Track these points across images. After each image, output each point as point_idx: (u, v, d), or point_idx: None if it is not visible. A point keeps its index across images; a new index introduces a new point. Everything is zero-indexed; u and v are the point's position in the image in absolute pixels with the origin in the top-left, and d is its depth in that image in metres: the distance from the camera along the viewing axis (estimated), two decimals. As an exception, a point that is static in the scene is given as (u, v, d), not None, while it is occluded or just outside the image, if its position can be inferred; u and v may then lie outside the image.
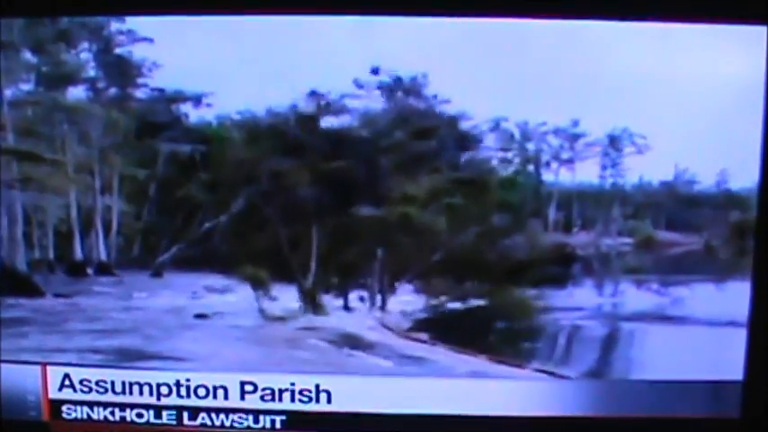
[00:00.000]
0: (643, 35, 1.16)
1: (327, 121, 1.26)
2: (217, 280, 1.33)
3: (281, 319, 1.32)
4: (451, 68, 1.19)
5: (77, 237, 1.34)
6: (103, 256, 1.35)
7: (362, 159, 1.26)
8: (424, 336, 1.32)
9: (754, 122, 1.18)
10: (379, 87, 1.23)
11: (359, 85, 1.22)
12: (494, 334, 1.31)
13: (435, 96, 1.24)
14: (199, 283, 1.33)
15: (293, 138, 1.26)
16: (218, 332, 1.31)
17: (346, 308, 1.33)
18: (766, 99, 1.16)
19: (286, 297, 1.32)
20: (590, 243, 1.33)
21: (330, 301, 1.33)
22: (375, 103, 1.24)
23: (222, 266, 1.31)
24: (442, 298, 1.32)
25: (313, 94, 1.23)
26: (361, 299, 1.34)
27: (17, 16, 1.22)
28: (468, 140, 1.27)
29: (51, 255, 1.33)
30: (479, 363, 1.29)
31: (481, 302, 1.31)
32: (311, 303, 1.32)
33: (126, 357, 1.28)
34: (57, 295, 1.32)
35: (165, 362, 1.28)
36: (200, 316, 1.32)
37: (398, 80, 1.22)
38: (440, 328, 1.32)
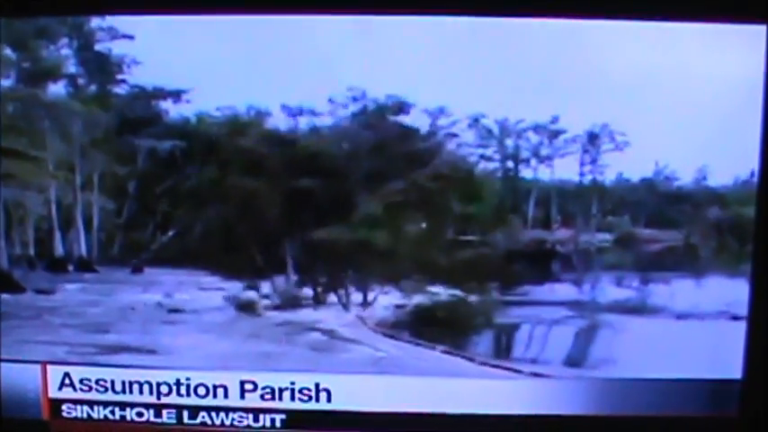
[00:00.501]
0: (623, 33, 1.16)
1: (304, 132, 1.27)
2: (196, 276, 1.33)
3: (259, 315, 1.32)
4: (431, 65, 1.19)
5: (58, 233, 1.34)
6: (84, 253, 1.35)
7: (342, 165, 1.27)
8: (406, 334, 1.33)
9: (737, 119, 1.18)
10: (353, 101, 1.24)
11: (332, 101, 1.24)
12: (482, 333, 1.32)
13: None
14: (178, 279, 1.34)
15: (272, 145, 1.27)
16: (196, 327, 1.31)
17: (323, 304, 1.34)
18: (765, 98, 1.16)
19: (264, 293, 1.33)
20: (570, 239, 1.33)
21: (307, 298, 1.34)
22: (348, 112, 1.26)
23: (201, 263, 1.32)
24: (423, 297, 1.33)
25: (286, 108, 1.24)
26: (343, 301, 1.35)
27: (16, 16, 1.22)
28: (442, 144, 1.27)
29: (32, 251, 1.34)
30: (473, 360, 1.29)
31: (465, 301, 1.32)
32: (289, 300, 1.33)
33: (108, 351, 1.29)
34: (38, 291, 1.32)
35: (143, 355, 1.29)
36: (178, 311, 1.32)
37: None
38: (426, 326, 1.33)
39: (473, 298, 1.31)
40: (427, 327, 1.32)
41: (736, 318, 1.24)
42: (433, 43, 1.18)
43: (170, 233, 1.33)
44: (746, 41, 1.15)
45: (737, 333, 1.22)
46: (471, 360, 1.29)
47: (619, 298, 1.31)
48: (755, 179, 1.21)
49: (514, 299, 1.32)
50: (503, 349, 1.32)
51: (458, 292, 1.32)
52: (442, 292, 1.32)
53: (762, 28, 1.15)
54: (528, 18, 1.16)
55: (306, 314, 1.33)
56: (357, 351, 1.30)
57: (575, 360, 1.29)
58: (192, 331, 1.31)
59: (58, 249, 1.34)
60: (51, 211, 1.33)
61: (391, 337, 1.32)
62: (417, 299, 1.32)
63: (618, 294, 1.31)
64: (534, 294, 1.32)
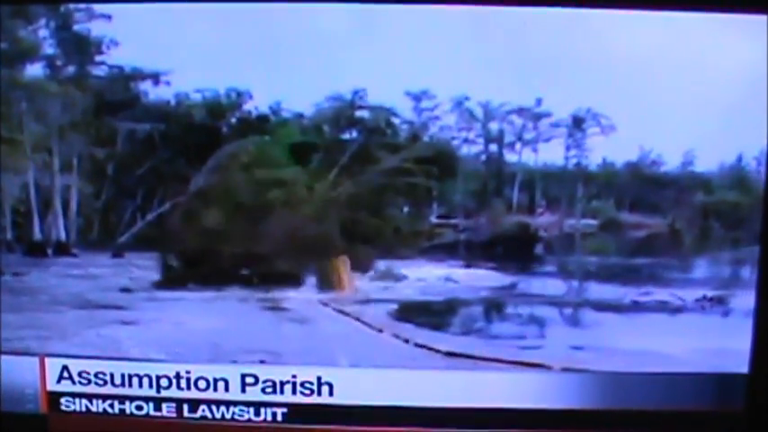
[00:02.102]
0: (608, 18, 1.15)
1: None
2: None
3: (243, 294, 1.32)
4: (414, 49, 1.18)
5: (36, 217, 1.33)
6: (63, 237, 1.34)
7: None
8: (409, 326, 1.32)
9: (722, 104, 1.17)
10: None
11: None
12: (481, 324, 1.32)
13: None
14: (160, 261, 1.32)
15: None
16: (180, 306, 1.30)
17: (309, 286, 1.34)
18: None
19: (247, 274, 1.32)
20: (554, 224, 1.32)
21: (294, 280, 1.33)
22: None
23: (183, 246, 1.31)
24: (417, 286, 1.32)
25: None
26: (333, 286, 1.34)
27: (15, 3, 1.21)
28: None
29: (10, 235, 1.32)
30: (473, 351, 1.28)
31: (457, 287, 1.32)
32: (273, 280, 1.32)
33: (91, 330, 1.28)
34: (15, 275, 1.30)
35: (126, 328, 1.28)
36: (163, 290, 1.31)
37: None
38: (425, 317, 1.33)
39: (465, 287, 1.31)
40: (425, 319, 1.32)
41: (718, 299, 1.25)
42: (417, 27, 1.16)
43: (149, 216, 1.31)
44: (734, 28, 1.14)
45: (739, 327, 1.22)
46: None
47: (610, 287, 1.31)
48: (741, 164, 1.21)
49: (503, 286, 1.31)
50: (506, 343, 1.30)
51: (449, 282, 1.31)
52: (435, 283, 1.32)
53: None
54: (513, 4, 1.15)
55: (293, 300, 1.32)
56: (358, 344, 1.29)
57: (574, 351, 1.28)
58: (176, 308, 1.30)
59: (36, 233, 1.33)
60: (29, 194, 1.31)
61: (391, 329, 1.32)
62: (409, 291, 1.32)
63: (608, 283, 1.31)
64: (522, 282, 1.31)
